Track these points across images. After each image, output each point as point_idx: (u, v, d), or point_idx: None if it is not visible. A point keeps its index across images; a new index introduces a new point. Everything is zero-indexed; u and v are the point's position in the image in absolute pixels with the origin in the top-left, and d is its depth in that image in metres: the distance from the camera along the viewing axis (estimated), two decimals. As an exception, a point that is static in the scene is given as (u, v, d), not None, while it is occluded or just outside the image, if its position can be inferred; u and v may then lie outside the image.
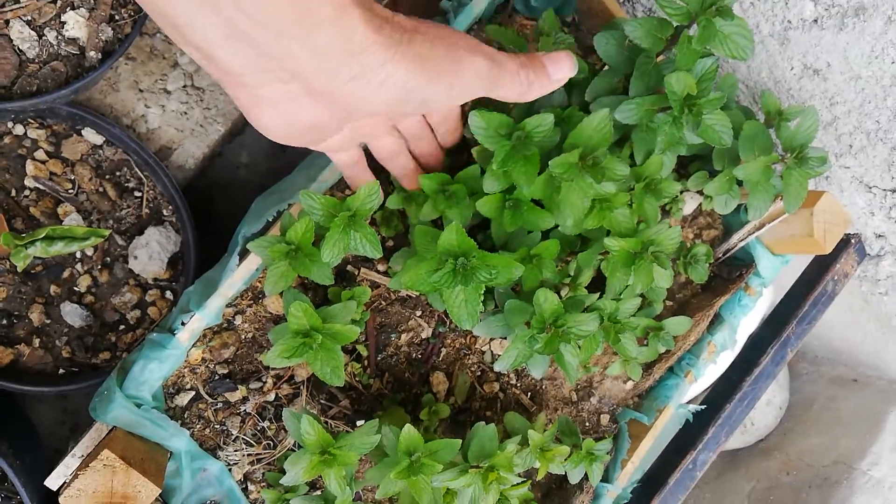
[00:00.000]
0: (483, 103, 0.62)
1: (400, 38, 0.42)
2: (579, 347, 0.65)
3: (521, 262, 0.64)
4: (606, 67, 0.66)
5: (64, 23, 0.62)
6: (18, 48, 0.63)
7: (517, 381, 0.78)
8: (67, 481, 0.59)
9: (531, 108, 0.65)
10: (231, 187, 0.95)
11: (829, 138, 0.81)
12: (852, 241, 0.86)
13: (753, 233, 0.78)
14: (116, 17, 0.64)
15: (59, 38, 0.62)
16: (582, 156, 0.56)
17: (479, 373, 0.76)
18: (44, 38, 0.61)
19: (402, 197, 0.67)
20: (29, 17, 0.63)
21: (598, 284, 0.70)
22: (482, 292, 0.55)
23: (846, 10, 0.65)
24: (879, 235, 0.88)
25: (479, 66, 0.47)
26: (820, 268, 0.86)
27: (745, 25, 0.56)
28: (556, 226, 0.66)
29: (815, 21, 0.69)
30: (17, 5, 0.61)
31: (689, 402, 0.83)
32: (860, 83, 0.71)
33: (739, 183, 0.71)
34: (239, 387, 0.67)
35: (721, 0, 0.55)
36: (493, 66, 0.48)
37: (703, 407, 0.82)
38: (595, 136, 0.56)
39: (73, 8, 0.62)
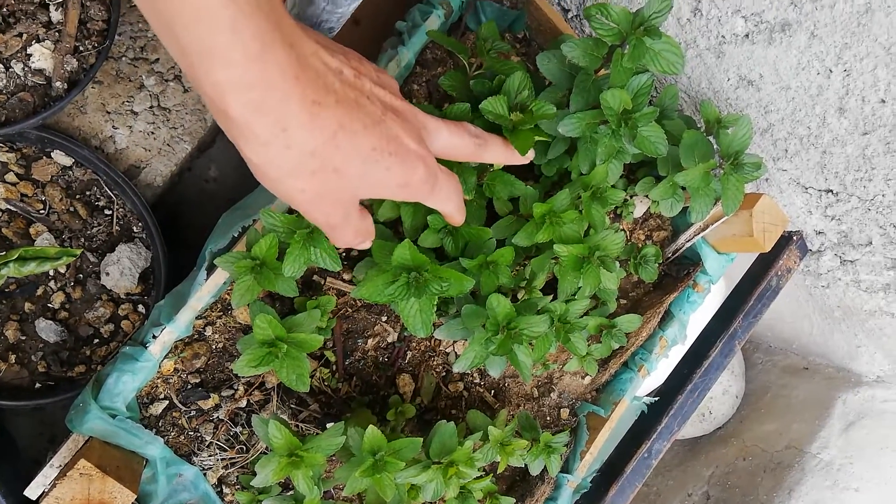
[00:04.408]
0: None
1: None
2: (532, 347, 0.69)
3: (478, 268, 0.68)
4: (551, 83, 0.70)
5: (30, 55, 0.64)
6: (-14, 78, 0.65)
7: (481, 379, 0.81)
8: (46, 491, 0.61)
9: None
10: (201, 201, 0.97)
11: (767, 143, 0.86)
12: (794, 238, 0.91)
13: (699, 234, 0.83)
14: (81, 49, 0.66)
15: (26, 69, 0.64)
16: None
17: (444, 373, 0.80)
18: (10, 69, 0.64)
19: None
20: (-5, 49, 0.65)
21: (554, 286, 0.74)
22: (435, 303, 0.58)
23: (773, 26, 0.70)
24: (819, 232, 0.93)
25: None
26: (764, 264, 0.91)
27: (673, 43, 0.60)
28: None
29: (747, 36, 0.74)
30: (-16, 37, 0.64)
31: (646, 395, 0.87)
32: (790, 93, 0.76)
33: (683, 187, 0.76)
34: (211, 395, 0.70)
35: (649, 20, 0.59)
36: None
37: (656, 399, 0.87)
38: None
39: (38, 41, 0.64)
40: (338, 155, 0.42)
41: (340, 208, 0.46)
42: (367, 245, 0.53)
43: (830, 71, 0.70)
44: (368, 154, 0.44)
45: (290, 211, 0.70)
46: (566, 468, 0.83)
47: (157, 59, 0.79)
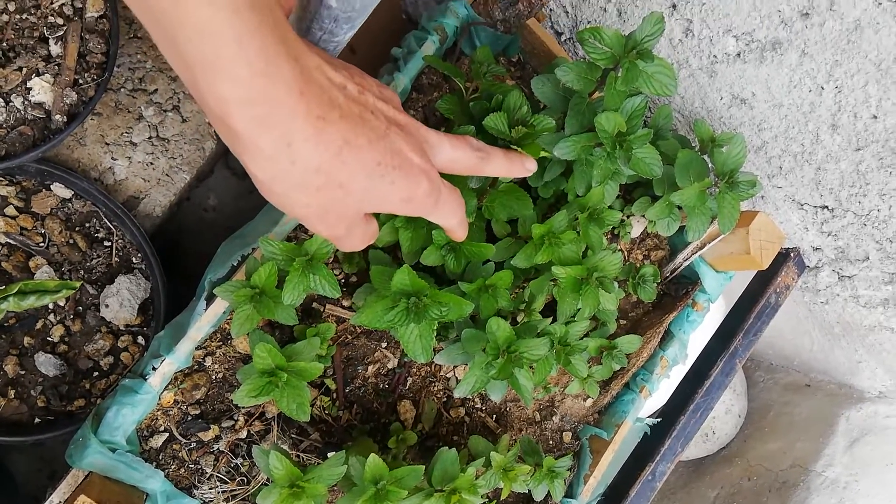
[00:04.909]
0: None
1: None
2: (532, 371, 0.69)
3: (477, 292, 0.68)
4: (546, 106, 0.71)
5: (30, 89, 0.65)
6: (-15, 113, 0.65)
7: (482, 404, 0.81)
8: (46, 528, 0.60)
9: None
10: (200, 230, 0.97)
11: (761, 161, 0.87)
12: (791, 255, 0.91)
13: (696, 252, 0.83)
14: (80, 82, 0.67)
15: (26, 103, 0.65)
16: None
17: (445, 399, 0.79)
18: (10, 104, 0.64)
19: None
20: (-5, 84, 0.65)
21: (553, 308, 0.74)
22: (435, 328, 0.58)
23: (764, 44, 0.71)
24: (816, 248, 0.93)
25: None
26: (763, 282, 0.91)
27: (666, 65, 0.61)
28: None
29: (738, 55, 0.75)
30: (-17, 72, 0.64)
31: (648, 416, 0.87)
32: (783, 110, 0.77)
33: (680, 206, 0.76)
34: (211, 426, 0.69)
35: (642, 43, 0.59)
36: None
37: (658, 420, 0.86)
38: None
39: (38, 74, 0.65)
40: (343, 170, 0.42)
41: (345, 221, 0.46)
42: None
43: (822, 88, 0.71)
44: (373, 169, 0.44)
45: (289, 239, 0.70)
46: (570, 493, 0.82)
47: (156, 90, 0.80)
